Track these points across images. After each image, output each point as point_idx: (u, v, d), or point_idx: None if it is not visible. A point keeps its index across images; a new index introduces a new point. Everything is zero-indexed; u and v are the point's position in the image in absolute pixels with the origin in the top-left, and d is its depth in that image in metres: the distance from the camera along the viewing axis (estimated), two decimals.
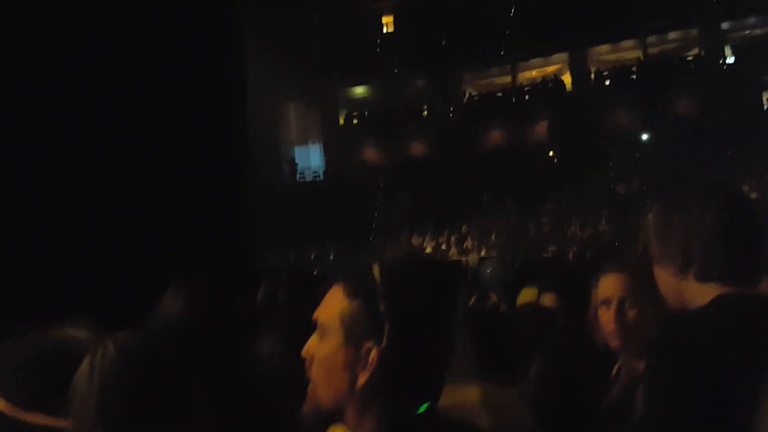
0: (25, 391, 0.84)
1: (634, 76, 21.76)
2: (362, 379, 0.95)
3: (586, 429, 1.72)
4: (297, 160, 23.76)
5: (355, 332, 0.97)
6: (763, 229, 1.34)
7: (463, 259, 15.14)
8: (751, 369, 0.92)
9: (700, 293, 1.27)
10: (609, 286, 1.79)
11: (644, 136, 20.64)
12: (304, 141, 24.66)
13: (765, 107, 20.56)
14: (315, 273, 8.31)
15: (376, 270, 1.00)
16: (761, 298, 1.27)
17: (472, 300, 4.05)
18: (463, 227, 18.41)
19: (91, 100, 3.32)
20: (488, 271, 5.31)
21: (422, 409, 0.97)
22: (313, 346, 1.02)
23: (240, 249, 3.87)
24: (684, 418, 1.11)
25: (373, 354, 0.94)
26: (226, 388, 1.32)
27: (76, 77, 3.24)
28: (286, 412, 1.14)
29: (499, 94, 23.76)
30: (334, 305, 1.01)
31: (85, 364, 0.83)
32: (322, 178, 23.51)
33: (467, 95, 24.34)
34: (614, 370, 1.83)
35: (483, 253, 15.99)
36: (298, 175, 23.38)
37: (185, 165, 3.65)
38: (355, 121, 24.81)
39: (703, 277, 1.27)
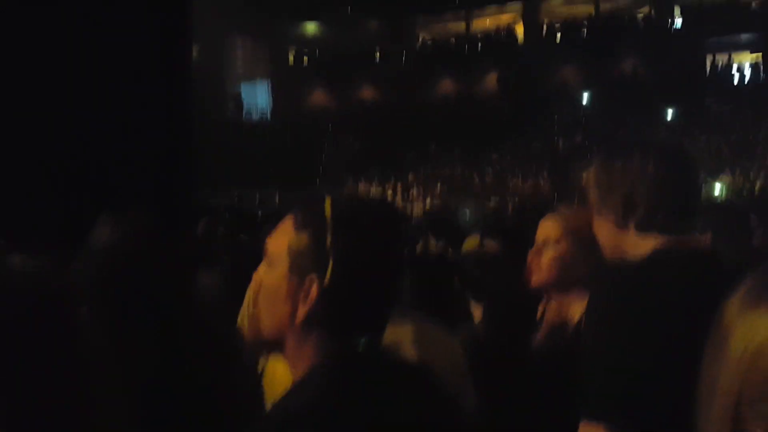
0: None
1: (585, 30, 21.95)
2: (302, 310, 0.94)
3: (521, 369, 1.78)
4: (243, 98, 23.13)
5: (300, 263, 0.96)
6: (699, 182, 1.37)
7: (409, 206, 15.28)
8: (692, 317, 0.94)
9: (640, 244, 1.30)
10: (546, 228, 1.83)
11: (590, 92, 20.97)
12: (251, 78, 23.98)
13: (707, 71, 21.13)
14: (259, 214, 8.22)
15: (327, 203, 0.99)
16: (698, 248, 1.32)
17: (419, 245, 4.10)
18: (410, 175, 18.50)
19: (23, 28, 3.11)
20: (434, 220, 5.38)
21: (361, 344, 0.97)
22: (261, 272, 1.01)
23: (181, 185, 3.76)
24: (623, 367, 1.15)
25: (315, 286, 0.94)
26: (164, 320, 1.29)
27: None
28: (227, 342, 1.13)
29: (453, 40, 23.60)
30: (284, 235, 1.00)
31: None
32: (268, 117, 23.03)
33: (420, 41, 24.08)
34: (540, 311, 1.87)
35: (428, 201, 16.16)
36: (244, 113, 22.80)
37: (126, 96, 3.49)
38: (305, 60, 24.25)
39: (644, 228, 1.30)
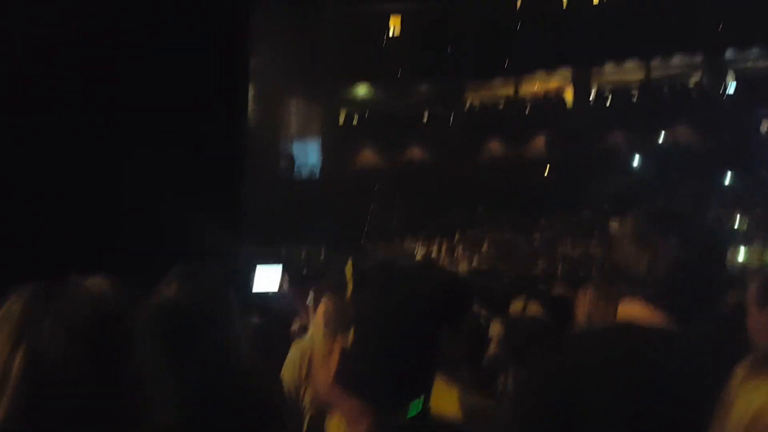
0: None
1: (635, 99, 21.87)
2: (329, 373, 0.95)
3: None
4: (294, 156, 23.73)
5: (330, 326, 0.98)
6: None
7: (454, 266, 15.16)
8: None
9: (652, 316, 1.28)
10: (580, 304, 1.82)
11: (641, 159, 20.72)
12: (302, 137, 24.64)
13: (763, 138, 20.67)
14: (304, 272, 8.29)
15: (348, 267, 0.99)
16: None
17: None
18: (456, 236, 18.46)
19: (83, 96, 3.29)
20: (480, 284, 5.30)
21: (415, 409, 0.95)
22: (306, 338, 1.06)
23: (232, 242, 3.85)
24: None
25: (338, 349, 0.94)
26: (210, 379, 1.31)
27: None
28: (281, 400, 1.15)
29: (500, 106, 23.83)
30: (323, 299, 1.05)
31: None
32: (318, 176, 23.49)
33: (468, 104, 24.41)
34: None
35: (474, 263, 16.02)
36: (294, 171, 23.34)
37: (180, 151, 3.63)
38: (355, 122, 24.82)
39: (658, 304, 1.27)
